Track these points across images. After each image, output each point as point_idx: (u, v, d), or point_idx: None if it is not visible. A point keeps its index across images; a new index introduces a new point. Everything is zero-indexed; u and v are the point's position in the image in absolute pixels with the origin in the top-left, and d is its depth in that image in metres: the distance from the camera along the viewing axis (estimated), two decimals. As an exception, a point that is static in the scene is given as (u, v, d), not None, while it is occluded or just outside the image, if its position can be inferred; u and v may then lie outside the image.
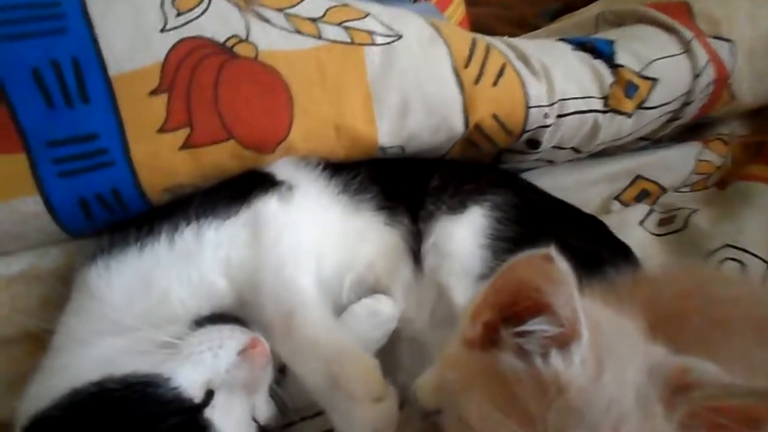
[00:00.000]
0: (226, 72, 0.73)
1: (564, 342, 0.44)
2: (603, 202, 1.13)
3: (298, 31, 0.78)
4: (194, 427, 0.55)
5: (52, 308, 0.75)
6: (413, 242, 0.78)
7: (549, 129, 0.92)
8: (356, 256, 0.77)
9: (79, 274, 0.69)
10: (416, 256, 0.77)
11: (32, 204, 0.70)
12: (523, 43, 0.99)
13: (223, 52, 0.74)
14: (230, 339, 0.59)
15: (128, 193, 0.74)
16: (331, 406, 0.59)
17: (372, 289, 0.77)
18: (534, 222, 0.78)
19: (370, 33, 0.82)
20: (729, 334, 0.57)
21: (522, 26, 1.60)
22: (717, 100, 1.12)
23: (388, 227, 0.79)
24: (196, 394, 0.57)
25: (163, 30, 0.72)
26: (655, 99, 1.00)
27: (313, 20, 0.80)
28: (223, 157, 0.76)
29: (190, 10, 0.74)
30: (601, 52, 0.99)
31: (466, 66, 0.87)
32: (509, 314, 0.47)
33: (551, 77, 0.92)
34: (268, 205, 0.73)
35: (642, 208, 1.09)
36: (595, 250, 0.76)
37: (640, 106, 1.00)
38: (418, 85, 0.83)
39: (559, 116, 0.93)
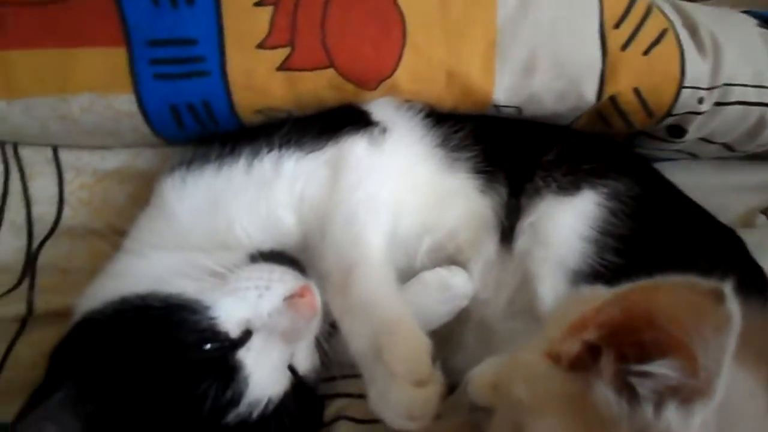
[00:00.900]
0: (339, -8, 0.66)
1: (689, 397, 0.34)
2: (747, 213, 0.94)
3: (426, -43, 0.69)
4: (224, 363, 0.52)
5: (139, 210, 0.74)
6: (505, 217, 0.68)
7: (700, 117, 0.77)
8: (440, 219, 0.69)
9: (158, 183, 0.68)
10: (505, 234, 0.67)
11: (127, 102, 0.69)
12: (697, 8, 0.82)
13: (341, -31, 0.67)
14: (279, 282, 0.54)
15: (220, 108, 0.71)
16: (370, 377, 0.54)
17: (450, 259, 0.69)
18: (655, 222, 0.65)
19: (510, -30, 0.70)
20: None
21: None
22: None
23: (482, 194, 0.69)
24: (232, 330, 0.53)
25: (278, -63, 0.65)
26: None
27: (446, -53, 0.70)
28: (320, 86, 0.70)
29: None
30: (794, 35, 0.80)
31: (617, 26, 0.73)
32: (622, 341, 0.37)
33: (720, 56, 0.75)
34: (356, 146, 0.67)
35: None
36: (723, 273, 0.62)
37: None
38: (552, 41, 0.71)
39: (718, 104, 0.77)
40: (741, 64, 0.76)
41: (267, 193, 0.64)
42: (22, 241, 0.77)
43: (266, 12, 0.66)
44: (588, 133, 0.79)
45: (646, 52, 0.73)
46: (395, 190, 0.66)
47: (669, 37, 0.74)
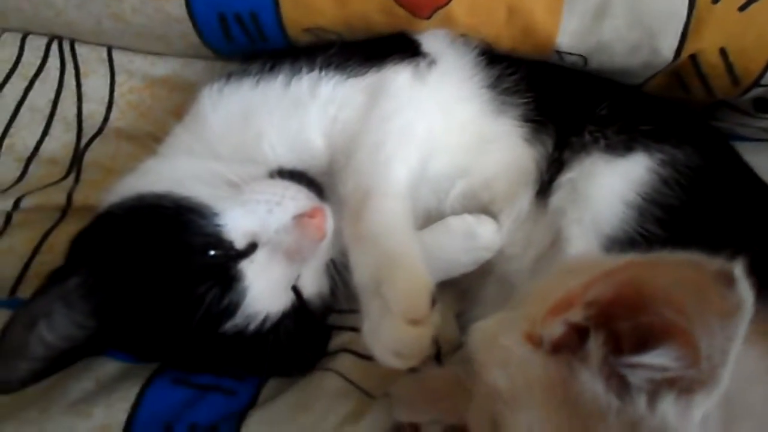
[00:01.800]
0: None
1: (689, 388, 0.30)
2: None
3: None
4: (225, 271, 0.51)
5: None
6: (547, 171, 0.63)
7: None
8: (478, 164, 0.65)
9: (199, 92, 0.67)
10: (543, 189, 0.63)
11: (176, 6, 0.69)
12: None
13: None
14: (291, 200, 0.53)
15: (267, 21, 0.69)
16: (366, 310, 0.52)
17: (482, 207, 0.66)
18: (711, 199, 0.59)
19: None
20: None
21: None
22: None
23: (526, 144, 0.65)
24: (237, 240, 0.53)
25: None
26: None
27: None
28: (371, 8, 0.66)
29: None
30: None
31: (712, -26, 0.64)
32: (613, 323, 0.33)
33: None
34: (399, 75, 0.64)
35: None
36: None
37: None
38: None
39: (819, 78, 0.67)
40: None
41: (300, 112, 0.62)
42: (72, 136, 0.80)
43: None
44: (654, 96, 0.71)
45: (742, 8, 0.65)
46: (433, 126, 0.63)
47: (774, -7, 0.65)
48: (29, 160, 0.77)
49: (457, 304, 0.69)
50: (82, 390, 0.58)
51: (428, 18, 0.67)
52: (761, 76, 0.67)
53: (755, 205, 0.63)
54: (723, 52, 0.66)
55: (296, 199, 0.54)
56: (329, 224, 0.55)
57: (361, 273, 0.53)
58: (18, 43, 0.80)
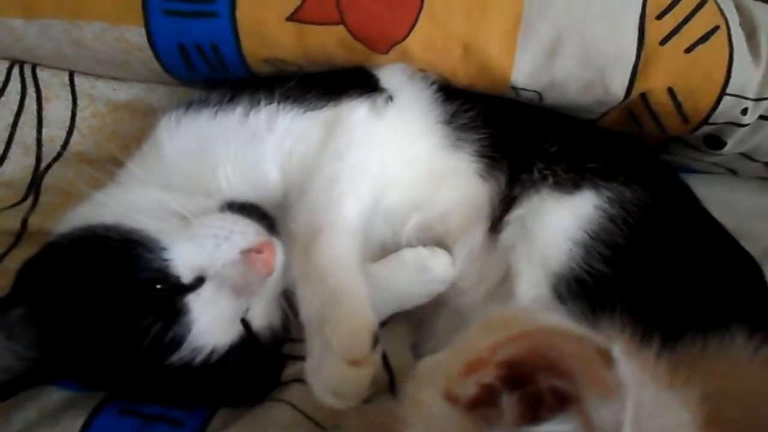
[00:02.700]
0: (357, -55, 0.63)
1: None
2: None
3: None
4: (171, 305, 0.52)
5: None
6: (499, 206, 0.65)
7: (742, 130, 0.70)
8: (432, 198, 0.66)
9: (158, 121, 0.68)
10: (495, 224, 0.64)
11: (137, 35, 0.70)
12: (763, 9, 0.74)
13: None
14: (240, 234, 0.54)
15: (228, 52, 0.70)
16: (310, 346, 0.53)
17: (436, 240, 0.67)
18: (658, 238, 0.60)
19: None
20: None
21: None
22: None
23: (480, 179, 0.66)
24: (184, 274, 0.53)
25: None
26: None
27: None
28: (329, 42, 0.68)
29: None
30: None
31: (660, 17, 0.67)
32: (520, 383, 0.33)
33: None
34: (355, 111, 0.65)
35: None
36: (725, 304, 0.58)
37: None
38: (583, 24, 0.66)
39: (764, 118, 0.70)
40: (800, 78, 0.69)
41: (257, 145, 0.63)
42: (31, 160, 0.79)
43: (281, -42, 0.64)
44: (608, 131, 0.73)
45: (688, 50, 0.67)
46: (387, 162, 0.64)
47: (719, 36, 0.68)
48: (-16, 184, 0.77)
49: (412, 335, 0.70)
50: (24, 420, 0.58)
51: (386, 53, 0.68)
52: (710, 114, 0.70)
53: (700, 242, 0.65)
54: (671, 91, 0.68)
55: (245, 233, 0.54)
56: (278, 259, 0.56)
57: (306, 309, 0.54)
58: (-21, 68, 0.80)
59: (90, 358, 0.54)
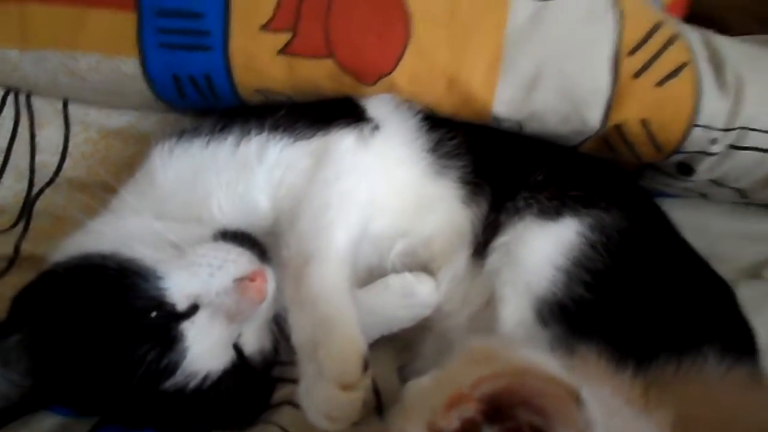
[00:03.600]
0: (347, -16, 0.67)
1: None
2: (754, 264, 0.88)
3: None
4: (167, 332, 0.54)
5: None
6: (483, 232, 0.67)
7: (711, 158, 0.74)
8: (417, 224, 0.69)
9: (150, 150, 0.70)
10: (479, 249, 0.67)
11: (132, 66, 0.72)
12: (730, 44, 0.79)
13: (350, -39, 0.67)
14: (233, 263, 0.56)
15: (220, 83, 0.73)
16: (303, 371, 0.55)
17: (421, 265, 0.70)
18: (636, 263, 0.64)
19: (529, -20, 0.69)
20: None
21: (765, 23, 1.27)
22: None
23: (464, 206, 0.69)
24: (179, 302, 0.55)
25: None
26: None
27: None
28: (318, 74, 0.71)
29: None
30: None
31: (632, 53, 0.71)
32: (500, 418, 0.35)
33: (743, 96, 0.72)
34: (343, 141, 0.67)
35: None
36: (698, 326, 0.61)
37: None
38: (560, 60, 0.69)
39: (732, 147, 0.74)
40: (765, 108, 0.73)
41: (248, 174, 0.65)
42: (23, 186, 0.81)
43: (273, -4, 0.67)
44: (589, 157, 0.77)
45: (659, 84, 0.71)
46: (374, 189, 0.67)
47: (688, 72, 0.72)
48: (-23, 209, 0.78)
49: (399, 358, 0.72)
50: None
51: (373, 84, 0.71)
52: (680, 144, 0.73)
53: (674, 266, 0.68)
54: (644, 123, 0.72)
55: (238, 262, 0.56)
56: (270, 286, 0.58)
57: (298, 335, 0.56)
58: (-27, 95, 0.82)
59: (85, 384, 0.55)
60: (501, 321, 0.62)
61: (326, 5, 0.67)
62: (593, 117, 0.71)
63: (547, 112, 0.71)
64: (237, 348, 0.59)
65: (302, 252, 0.59)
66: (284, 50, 0.69)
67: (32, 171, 0.81)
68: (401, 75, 0.70)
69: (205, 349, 0.55)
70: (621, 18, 0.71)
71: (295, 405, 0.65)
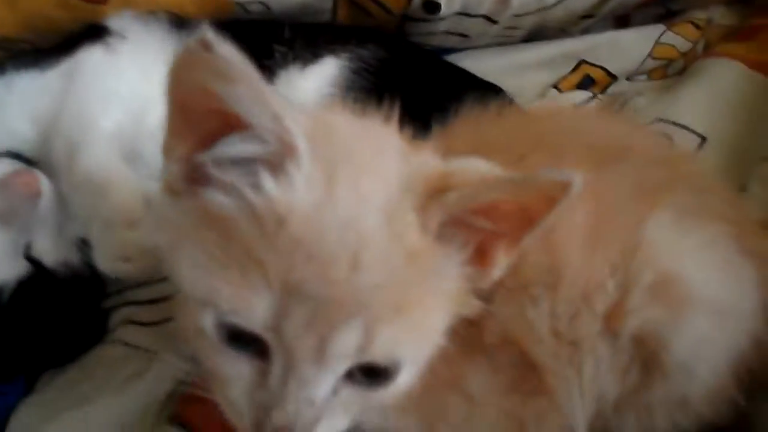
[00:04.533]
0: None
1: (276, 163, 0.36)
2: (540, 89, 1.02)
3: None
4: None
5: None
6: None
7: None
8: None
9: None
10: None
11: None
12: None
13: None
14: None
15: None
16: (91, 238, 0.59)
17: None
18: (396, 74, 0.72)
19: None
20: (554, 155, 0.50)
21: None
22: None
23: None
24: None
25: None
26: (584, -41, 0.91)
27: None
28: (45, 5, 0.72)
29: None
30: None
31: None
32: (210, 134, 0.37)
33: None
34: (91, 55, 0.72)
35: (581, 94, 1.00)
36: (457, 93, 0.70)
37: (566, -32, 0.91)
38: None
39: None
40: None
41: (2, 109, 0.66)
42: None
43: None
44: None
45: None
46: (135, 86, 0.70)
47: None
48: None
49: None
50: None
51: (106, 3, 0.74)
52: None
53: (434, 68, 0.79)
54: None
55: None
56: (43, 183, 0.59)
57: (81, 209, 0.59)
58: None
59: None
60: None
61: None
62: None
63: None
64: (32, 259, 0.58)
65: (69, 145, 0.62)
66: (-1, -13, 0.70)
67: None
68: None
69: None
70: None
71: (135, 322, 0.66)
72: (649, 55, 1.03)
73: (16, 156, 0.62)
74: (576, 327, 0.44)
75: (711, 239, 0.47)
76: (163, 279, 0.69)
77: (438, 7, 0.88)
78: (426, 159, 0.41)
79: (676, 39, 1.05)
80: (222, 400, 0.40)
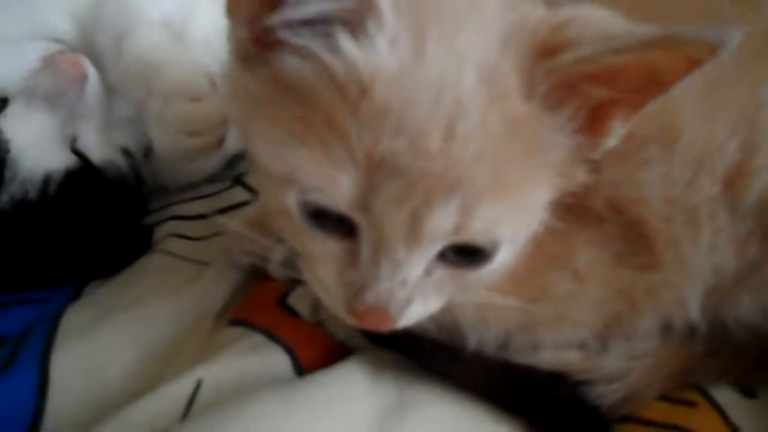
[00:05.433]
0: None
1: (355, 21, 0.31)
2: None
3: None
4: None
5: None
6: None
7: None
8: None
9: None
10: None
11: None
12: None
13: None
14: (32, 47, 0.51)
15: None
16: (148, 118, 0.54)
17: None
18: None
19: None
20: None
21: None
22: None
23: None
24: None
25: None
26: None
27: None
28: None
29: None
30: None
31: None
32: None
33: None
34: None
35: None
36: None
37: None
38: None
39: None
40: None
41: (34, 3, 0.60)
42: None
43: None
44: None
45: None
46: None
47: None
48: None
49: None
50: None
51: None
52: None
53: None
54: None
55: (36, 45, 0.51)
56: (87, 66, 0.53)
57: (131, 91, 0.54)
58: None
59: None
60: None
61: None
62: None
63: None
64: (79, 153, 0.53)
65: (115, 35, 0.57)
66: None
67: None
68: None
69: (30, 142, 0.50)
70: None
71: (180, 236, 0.62)
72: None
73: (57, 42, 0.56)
74: (693, 192, 0.39)
75: None
76: (211, 195, 0.66)
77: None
78: (535, 7, 0.34)
79: None
80: (312, 279, 0.37)
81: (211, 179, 0.69)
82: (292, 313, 0.49)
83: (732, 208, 0.39)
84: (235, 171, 0.69)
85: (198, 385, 0.43)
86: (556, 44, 0.32)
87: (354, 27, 0.31)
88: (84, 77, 0.52)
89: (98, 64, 0.58)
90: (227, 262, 0.56)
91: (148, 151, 0.63)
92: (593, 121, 0.34)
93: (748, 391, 0.44)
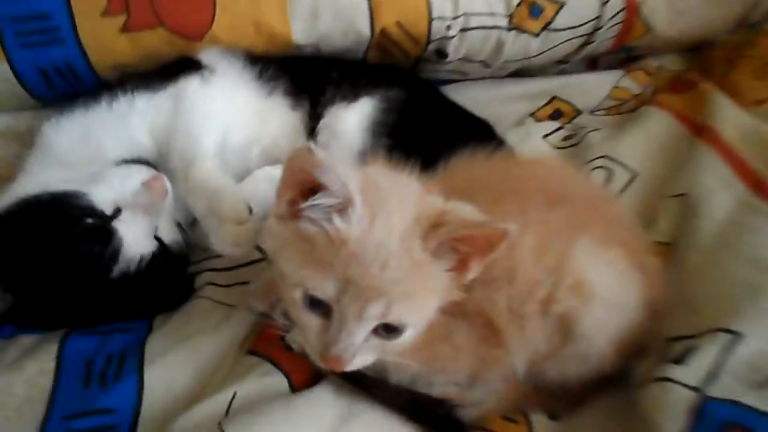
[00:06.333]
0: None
1: (343, 208, 0.54)
2: (519, 117, 1.21)
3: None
4: (103, 231, 0.75)
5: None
6: (312, 123, 0.96)
7: (453, 41, 1.07)
8: (263, 132, 0.96)
9: (41, 128, 0.89)
10: (313, 135, 0.95)
11: (2, 70, 0.90)
12: None
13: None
14: (137, 172, 0.79)
15: (80, 67, 0.94)
16: (208, 228, 0.80)
17: (276, 160, 0.96)
18: (414, 114, 0.95)
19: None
20: (519, 198, 0.72)
21: None
22: (629, 29, 1.19)
23: (291, 110, 0.97)
24: (106, 208, 0.77)
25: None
26: (561, 21, 1.12)
27: None
28: (157, 42, 0.94)
29: None
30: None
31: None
32: (306, 191, 0.56)
33: None
34: (191, 83, 0.92)
35: (551, 125, 1.18)
36: (463, 138, 0.92)
37: (547, 28, 1.12)
38: None
39: (463, 30, 1.07)
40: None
41: (125, 123, 0.87)
42: None
43: (103, -14, 0.89)
44: (375, 64, 1.08)
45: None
46: (224, 112, 0.92)
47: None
48: None
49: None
50: (11, 356, 0.77)
51: (200, 41, 0.95)
52: (429, 35, 1.05)
53: (443, 111, 1.01)
54: (400, 24, 1.03)
55: (140, 171, 0.80)
56: (168, 186, 0.81)
57: (198, 208, 0.81)
58: None
59: (51, 293, 0.74)
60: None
61: (147, -14, 0.91)
62: (364, 27, 1.01)
63: (332, 32, 1.00)
64: (158, 238, 0.81)
65: (184, 157, 0.84)
66: (124, 29, 0.91)
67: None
68: (219, 29, 0.96)
69: (134, 238, 0.77)
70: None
71: (214, 284, 0.89)
72: (608, 95, 1.23)
73: (138, 161, 0.83)
74: (523, 307, 0.63)
75: (613, 258, 0.64)
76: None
77: (446, 54, 1.10)
78: (432, 199, 0.61)
79: (631, 83, 1.24)
80: (302, 339, 0.63)
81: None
82: (288, 348, 0.72)
83: (544, 318, 0.63)
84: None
85: (234, 396, 0.68)
86: (440, 223, 0.55)
87: (341, 211, 0.54)
88: (167, 193, 0.80)
89: (170, 176, 0.86)
90: (247, 307, 0.79)
91: (193, 222, 0.89)
92: (461, 264, 0.57)
93: (552, 416, 0.72)
